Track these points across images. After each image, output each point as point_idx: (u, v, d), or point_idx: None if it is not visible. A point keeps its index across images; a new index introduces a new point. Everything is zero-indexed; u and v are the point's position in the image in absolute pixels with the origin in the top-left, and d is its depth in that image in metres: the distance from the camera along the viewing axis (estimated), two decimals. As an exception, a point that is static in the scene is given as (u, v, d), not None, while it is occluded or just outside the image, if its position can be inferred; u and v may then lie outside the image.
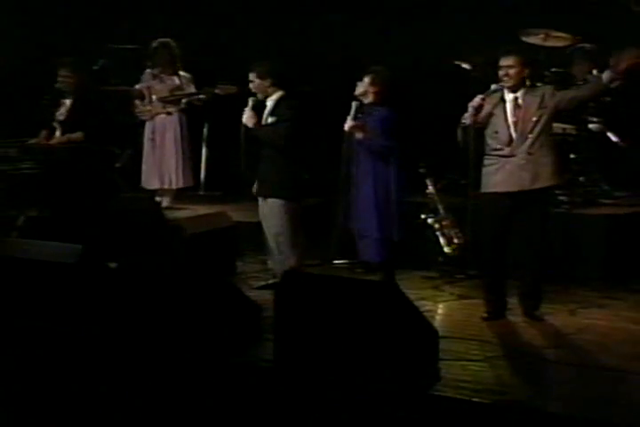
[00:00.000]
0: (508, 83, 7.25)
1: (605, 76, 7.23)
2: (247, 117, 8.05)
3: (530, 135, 7.20)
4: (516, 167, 7.21)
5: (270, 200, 8.07)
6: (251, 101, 8.11)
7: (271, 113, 8.08)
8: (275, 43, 10.80)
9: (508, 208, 7.27)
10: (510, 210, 7.27)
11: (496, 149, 7.27)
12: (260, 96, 8.13)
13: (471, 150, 7.42)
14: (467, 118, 7.25)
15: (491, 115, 7.27)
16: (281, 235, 8.05)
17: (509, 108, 7.27)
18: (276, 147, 8.02)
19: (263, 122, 8.08)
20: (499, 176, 7.27)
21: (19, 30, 11.49)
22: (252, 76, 8.11)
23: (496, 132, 7.27)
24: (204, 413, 6.04)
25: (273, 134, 8.02)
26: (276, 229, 8.07)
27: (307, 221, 8.26)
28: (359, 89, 7.95)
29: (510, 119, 7.26)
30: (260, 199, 8.19)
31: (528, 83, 7.35)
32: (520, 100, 7.26)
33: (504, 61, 7.26)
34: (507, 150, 7.23)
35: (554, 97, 7.25)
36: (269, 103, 8.13)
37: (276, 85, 8.10)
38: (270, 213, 8.09)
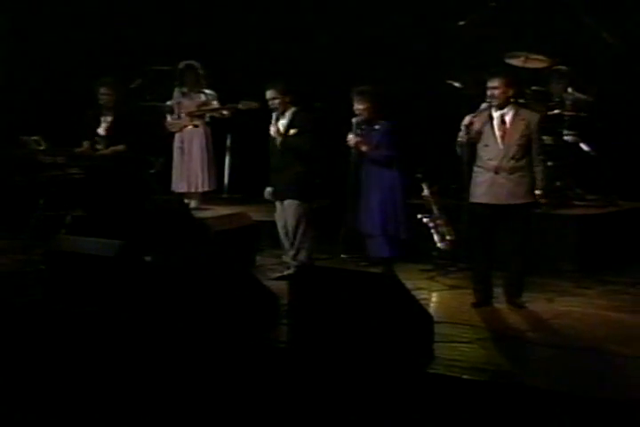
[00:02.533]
0: (495, 102, 7.27)
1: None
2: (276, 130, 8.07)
3: (512, 158, 7.22)
4: (496, 185, 7.23)
5: (288, 201, 8.08)
6: (275, 116, 8.13)
7: (291, 125, 8.06)
8: (287, 63, 10.83)
9: (491, 215, 7.29)
10: (494, 216, 7.30)
11: (485, 161, 7.29)
12: (278, 111, 8.14)
13: (465, 164, 7.47)
14: (461, 137, 7.31)
15: (481, 131, 7.30)
16: (296, 232, 8.07)
17: (496, 123, 7.28)
18: (302, 154, 8.03)
19: (283, 133, 8.09)
20: (482, 189, 7.30)
21: (67, 54, 11.53)
22: (273, 93, 8.09)
23: (486, 146, 7.29)
24: (229, 386, 6.06)
25: (301, 143, 8.03)
26: (293, 227, 8.09)
27: (317, 220, 8.27)
28: (356, 108, 7.93)
29: (497, 133, 7.27)
30: (277, 202, 8.21)
31: (512, 100, 7.38)
32: (506, 117, 7.28)
33: (490, 83, 7.27)
34: (494, 163, 7.23)
35: (535, 128, 7.27)
36: (287, 117, 8.12)
37: (293, 101, 8.11)
38: (287, 213, 8.11)
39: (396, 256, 7.97)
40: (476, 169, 7.36)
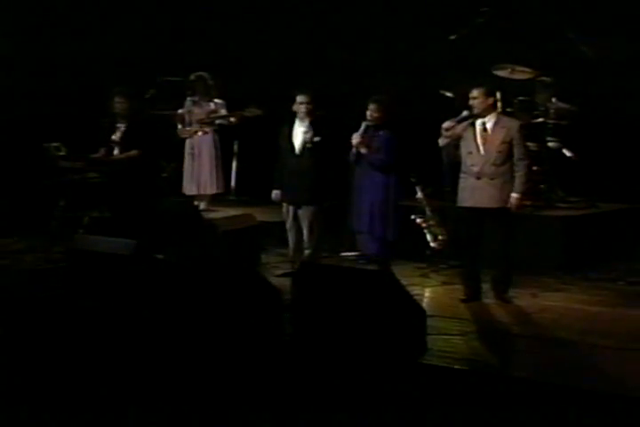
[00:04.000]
0: (475, 110, 7.31)
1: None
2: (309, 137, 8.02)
3: (493, 164, 7.25)
4: (478, 189, 7.27)
5: (308, 206, 8.04)
6: (298, 121, 8.10)
7: (315, 132, 8.00)
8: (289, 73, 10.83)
9: (476, 217, 7.33)
10: (478, 219, 7.33)
11: (469, 167, 7.31)
12: (304, 117, 8.04)
13: (446, 165, 7.59)
14: (441, 139, 7.38)
15: (461, 137, 7.31)
16: (312, 233, 8.06)
17: (478, 131, 7.33)
18: (323, 160, 7.99)
19: (305, 140, 8.03)
20: (466, 193, 7.36)
21: (86, 66, 11.54)
22: (305, 98, 8.00)
23: (469, 153, 7.33)
24: (237, 376, 6.05)
25: (322, 150, 7.97)
26: (308, 228, 8.06)
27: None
28: (369, 114, 7.93)
29: (479, 141, 7.30)
30: (290, 206, 8.16)
31: (500, 109, 7.40)
32: (487, 125, 7.32)
33: (471, 93, 7.33)
34: (476, 168, 7.26)
35: (516, 134, 7.28)
36: (309, 123, 8.03)
37: (316, 109, 8.07)
38: (304, 215, 8.06)
39: (384, 255, 7.96)
40: (461, 175, 7.42)
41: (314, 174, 8.00)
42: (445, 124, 7.33)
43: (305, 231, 8.10)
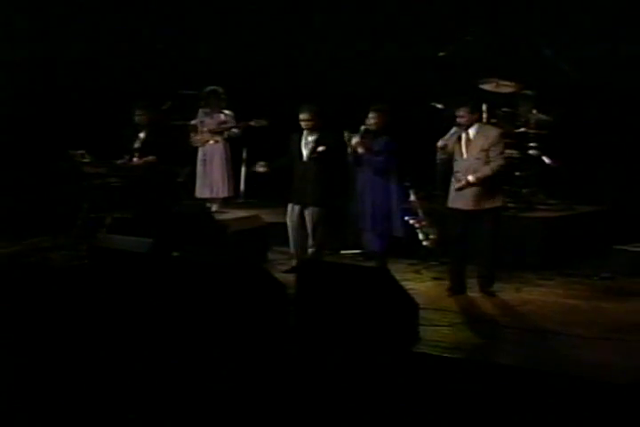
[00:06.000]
0: (462, 125, 7.33)
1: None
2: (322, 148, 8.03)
3: (474, 171, 7.25)
4: (463, 193, 7.31)
5: (313, 207, 8.06)
6: (305, 133, 8.15)
7: (320, 143, 8.02)
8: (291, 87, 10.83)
9: (463, 218, 7.36)
10: (465, 219, 7.35)
11: (455, 173, 7.37)
12: (310, 131, 8.08)
13: (439, 180, 7.73)
14: (438, 155, 7.51)
15: (452, 150, 7.36)
16: (316, 232, 8.06)
17: (464, 141, 7.36)
18: (328, 167, 8.01)
19: (310, 151, 8.05)
20: (453, 196, 7.38)
21: (109, 81, 11.55)
22: (307, 115, 8.04)
23: (456, 160, 7.40)
24: (246, 362, 6.05)
25: (328, 158, 8.00)
26: (313, 228, 8.05)
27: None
28: (369, 121, 7.93)
29: (464, 150, 7.33)
30: (296, 206, 8.16)
31: (485, 120, 7.43)
32: (471, 136, 7.33)
33: (458, 112, 7.35)
34: (460, 174, 7.30)
35: (494, 140, 7.29)
36: (316, 135, 8.06)
37: (322, 122, 8.09)
38: (311, 216, 8.07)
39: (383, 251, 7.97)
40: (452, 179, 7.41)
41: (319, 180, 8.03)
42: (439, 144, 7.42)
43: (310, 231, 8.11)
